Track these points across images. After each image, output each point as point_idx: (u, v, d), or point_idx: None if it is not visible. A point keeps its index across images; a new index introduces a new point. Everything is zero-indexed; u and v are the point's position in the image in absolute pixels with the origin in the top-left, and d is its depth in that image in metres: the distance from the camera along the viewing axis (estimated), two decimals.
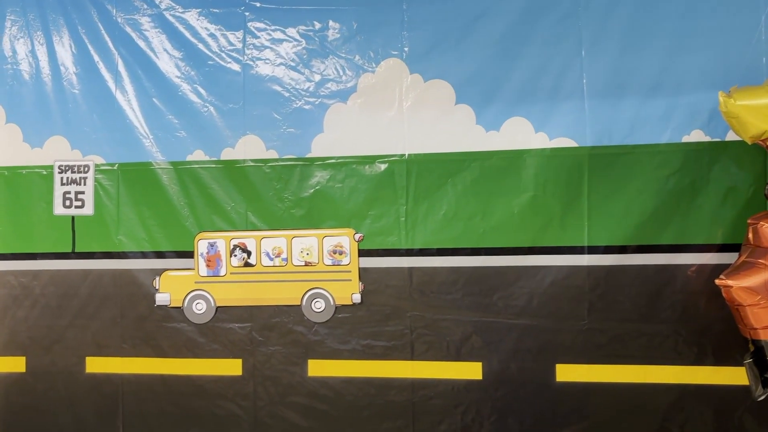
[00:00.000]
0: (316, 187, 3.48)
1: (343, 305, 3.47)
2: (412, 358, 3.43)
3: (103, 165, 3.62)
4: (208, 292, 3.55)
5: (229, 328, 3.55)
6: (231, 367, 3.55)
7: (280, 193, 3.50)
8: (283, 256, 3.50)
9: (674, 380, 3.30)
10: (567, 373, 3.36)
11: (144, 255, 3.60)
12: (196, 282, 3.55)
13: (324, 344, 3.49)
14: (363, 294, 3.45)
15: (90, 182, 3.64)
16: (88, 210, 3.64)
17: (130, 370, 3.61)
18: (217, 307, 3.54)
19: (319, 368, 3.50)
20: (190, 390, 3.58)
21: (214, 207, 3.55)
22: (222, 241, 3.54)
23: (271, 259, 3.52)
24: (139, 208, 3.59)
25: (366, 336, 3.47)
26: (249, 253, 3.53)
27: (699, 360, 3.29)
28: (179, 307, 3.56)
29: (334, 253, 3.48)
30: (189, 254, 3.57)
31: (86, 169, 3.64)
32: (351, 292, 3.45)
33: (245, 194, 3.53)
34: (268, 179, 3.51)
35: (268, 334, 3.53)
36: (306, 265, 3.50)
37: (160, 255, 3.58)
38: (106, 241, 3.60)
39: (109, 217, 3.62)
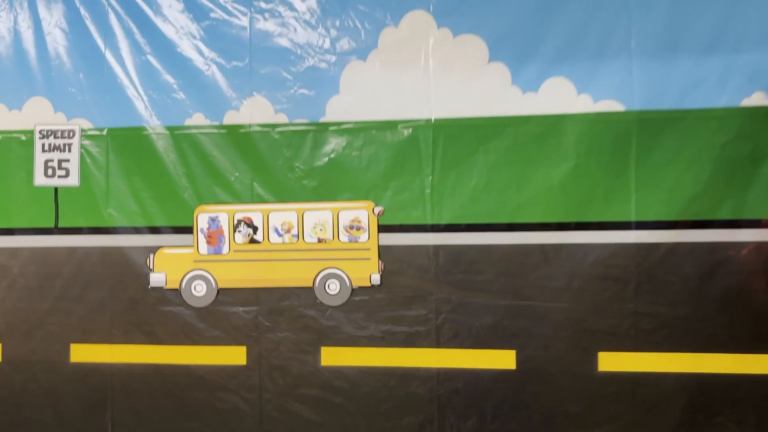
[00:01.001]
0: (330, 155, 3.16)
1: (360, 287, 3.16)
2: (437, 346, 3.13)
3: (90, 130, 3.29)
4: (209, 273, 3.22)
5: (233, 312, 3.23)
6: (234, 356, 3.24)
7: (291, 162, 3.18)
8: (294, 232, 3.18)
9: (730, 370, 3.00)
10: (611, 362, 3.06)
11: (136, 230, 3.28)
12: (195, 261, 3.22)
13: (339, 330, 3.18)
14: (383, 274, 3.14)
15: (75, 149, 3.30)
16: (74, 180, 3.31)
17: (121, 359, 3.29)
18: (219, 289, 3.22)
19: (333, 357, 3.20)
20: (188, 381, 3.27)
21: (215, 177, 3.22)
22: (225, 215, 3.22)
23: (280, 236, 3.19)
24: (131, 179, 3.26)
25: (386, 321, 3.15)
26: (255, 229, 3.21)
27: (758, 347, 2.99)
28: (176, 289, 3.24)
29: (351, 228, 3.16)
30: (187, 230, 3.24)
31: (71, 134, 3.31)
32: (369, 273, 3.14)
33: (251, 163, 3.21)
34: (277, 146, 3.18)
35: (276, 318, 3.22)
36: (319, 242, 3.18)
37: (154, 231, 3.26)
38: (94, 214, 3.28)
39: (97, 189, 3.28)
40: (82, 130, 3.28)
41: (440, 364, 3.14)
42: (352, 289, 3.16)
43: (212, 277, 3.23)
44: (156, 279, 3.25)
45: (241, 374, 3.23)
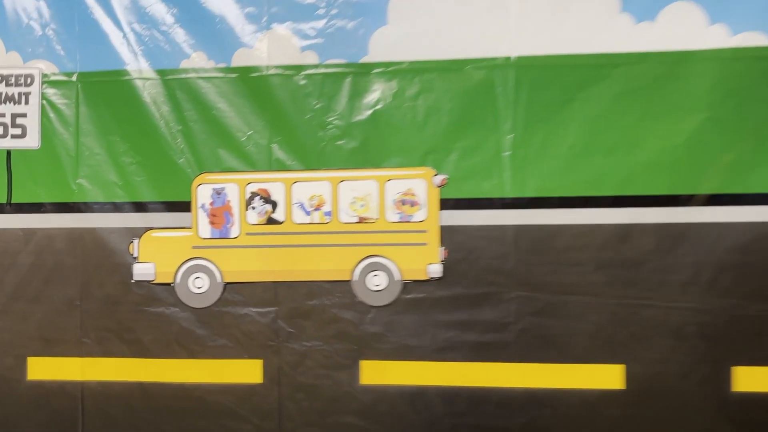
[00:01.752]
0: (375, 106, 2.59)
1: (414, 281, 2.59)
2: (519, 360, 2.55)
3: (54, 75, 2.73)
4: (213, 262, 2.67)
5: (244, 314, 2.68)
6: (246, 372, 2.67)
7: (322, 116, 2.61)
8: (326, 208, 2.61)
9: None
10: (749, 379, 2.46)
11: (116, 207, 2.72)
12: (194, 247, 2.67)
13: (384, 338, 2.61)
14: (445, 264, 2.57)
15: (35, 100, 2.73)
16: (32, 141, 2.74)
17: (95, 377, 2.74)
18: (226, 284, 2.67)
19: (376, 373, 2.62)
20: (184, 405, 2.72)
21: (221, 136, 2.66)
22: (234, 186, 2.65)
23: (308, 213, 2.63)
24: (108, 139, 2.71)
25: (449, 326, 2.58)
26: (274, 205, 2.63)
27: None
28: (169, 284, 2.70)
29: (403, 204, 2.59)
30: (184, 206, 2.68)
31: (29, 80, 2.74)
32: (427, 262, 2.57)
33: (269, 117, 2.64)
34: (304, 95, 2.61)
35: (301, 323, 2.66)
36: (360, 222, 2.61)
37: (140, 207, 2.71)
38: (59, 186, 2.73)
39: (63, 152, 2.73)
40: (44, 76, 2.73)
41: (523, 384, 2.55)
42: (404, 284, 2.60)
43: (217, 268, 2.67)
44: (142, 271, 2.71)
45: (256, 396, 2.68)
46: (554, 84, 2.48)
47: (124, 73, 2.66)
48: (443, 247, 2.55)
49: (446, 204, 2.55)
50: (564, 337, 2.51)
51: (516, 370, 2.53)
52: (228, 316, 2.67)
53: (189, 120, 2.65)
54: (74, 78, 2.68)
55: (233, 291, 2.66)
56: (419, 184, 2.56)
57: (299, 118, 2.61)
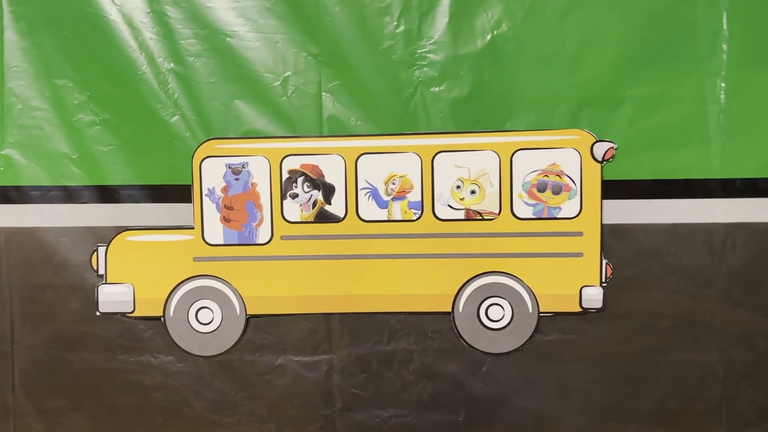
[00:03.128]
0: (494, 30, 1.83)
1: (557, 314, 1.86)
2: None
3: None
4: (228, 283, 1.96)
5: (279, 365, 1.95)
6: None
7: (407, 47, 1.87)
8: (414, 197, 1.88)
9: None
10: None
11: (69, 195, 2.00)
12: (197, 258, 1.96)
13: (508, 402, 1.89)
14: (608, 287, 1.83)
15: None
16: None
17: None
18: (249, 318, 1.96)
19: None
20: None
21: (241, 80, 1.94)
22: (262, 161, 1.91)
23: (384, 206, 1.88)
24: (55, 85, 1.98)
25: (613, 384, 1.83)
26: (329, 190, 1.88)
27: None
28: (158, 318, 1.98)
29: (543, 189, 1.83)
30: (180, 193, 1.96)
31: None
32: (580, 284, 1.84)
33: (319, 49, 1.89)
34: (377, 12, 1.88)
35: (371, 381, 1.95)
36: (468, 218, 1.86)
37: (107, 195, 1.99)
38: None
39: None
40: None
41: None
42: (539, 318, 1.85)
43: (235, 292, 1.95)
44: (113, 297, 1.97)
45: None
46: None
47: None
48: (606, 261, 1.83)
49: (613, 189, 1.80)
50: None
51: None
52: (253, 369, 1.94)
53: (187, 53, 1.90)
54: None
55: (261, 329, 1.94)
56: (569, 157, 1.80)
57: (369, 50, 1.87)
